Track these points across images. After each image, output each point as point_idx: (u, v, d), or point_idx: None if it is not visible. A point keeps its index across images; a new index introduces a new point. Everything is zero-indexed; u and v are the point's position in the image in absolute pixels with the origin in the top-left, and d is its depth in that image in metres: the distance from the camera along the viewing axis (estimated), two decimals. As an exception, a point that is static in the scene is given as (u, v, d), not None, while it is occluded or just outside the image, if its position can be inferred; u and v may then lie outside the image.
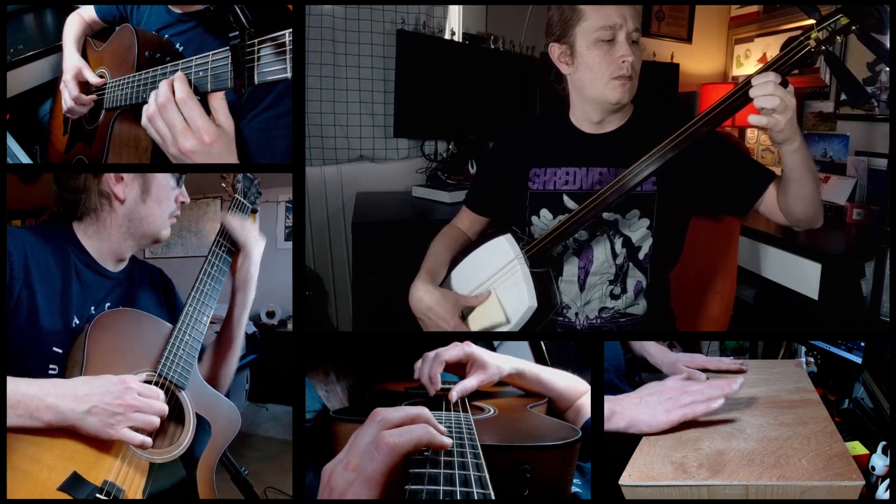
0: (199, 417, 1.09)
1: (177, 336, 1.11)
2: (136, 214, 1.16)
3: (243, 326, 1.29)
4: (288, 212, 3.54)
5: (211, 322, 1.19)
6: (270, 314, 3.45)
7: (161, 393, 1.01)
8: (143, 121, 1.06)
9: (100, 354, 1.02)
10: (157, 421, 0.98)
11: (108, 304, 1.14)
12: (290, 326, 3.58)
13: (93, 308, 1.11)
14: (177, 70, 1.07)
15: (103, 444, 0.95)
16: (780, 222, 1.36)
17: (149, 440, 0.96)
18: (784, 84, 1.11)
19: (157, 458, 1.00)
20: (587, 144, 1.40)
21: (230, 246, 1.26)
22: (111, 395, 0.94)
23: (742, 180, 1.36)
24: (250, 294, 1.28)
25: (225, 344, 1.29)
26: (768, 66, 1.13)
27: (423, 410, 0.65)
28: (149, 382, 1.02)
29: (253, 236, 1.27)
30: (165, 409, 1.00)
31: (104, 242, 1.15)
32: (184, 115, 1.02)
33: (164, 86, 1.04)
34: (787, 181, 1.25)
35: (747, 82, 1.13)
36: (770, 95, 1.10)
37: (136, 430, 0.95)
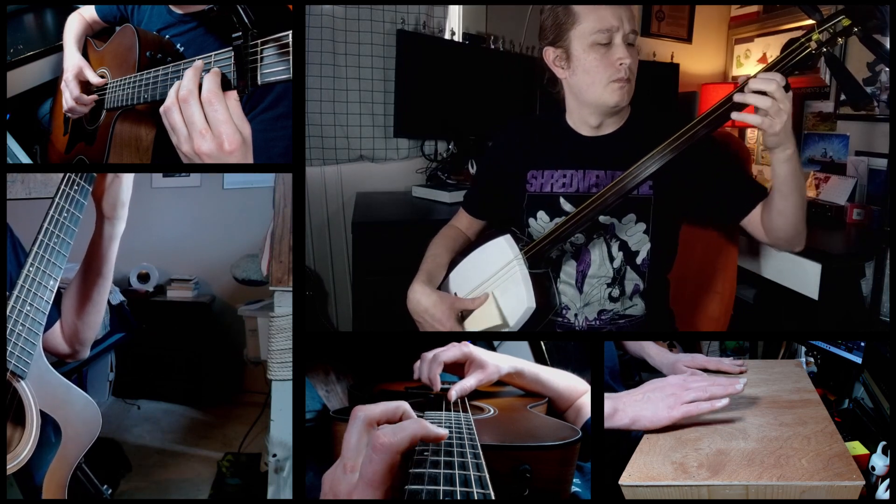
0: (44, 417, 0.84)
1: (14, 307, 0.85)
2: None
3: (112, 262, 1.04)
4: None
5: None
6: (143, 277, 2.61)
7: None
8: (161, 109, 0.97)
9: None
10: None
11: None
12: (169, 294, 2.65)
13: None
14: (179, 70, 1.07)
15: None
16: (760, 240, 1.35)
17: None
18: (786, 88, 1.09)
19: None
20: (584, 147, 1.39)
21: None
22: None
23: (732, 193, 1.35)
24: (120, 225, 1.04)
25: (87, 287, 1.00)
26: (771, 67, 1.12)
27: (402, 403, 0.63)
28: None
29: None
30: None
31: None
32: (206, 115, 0.92)
33: (189, 76, 0.93)
34: (773, 193, 1.23)
35: (746, 81, 1.11)
36: (762, 94, 1.07)
37: None
